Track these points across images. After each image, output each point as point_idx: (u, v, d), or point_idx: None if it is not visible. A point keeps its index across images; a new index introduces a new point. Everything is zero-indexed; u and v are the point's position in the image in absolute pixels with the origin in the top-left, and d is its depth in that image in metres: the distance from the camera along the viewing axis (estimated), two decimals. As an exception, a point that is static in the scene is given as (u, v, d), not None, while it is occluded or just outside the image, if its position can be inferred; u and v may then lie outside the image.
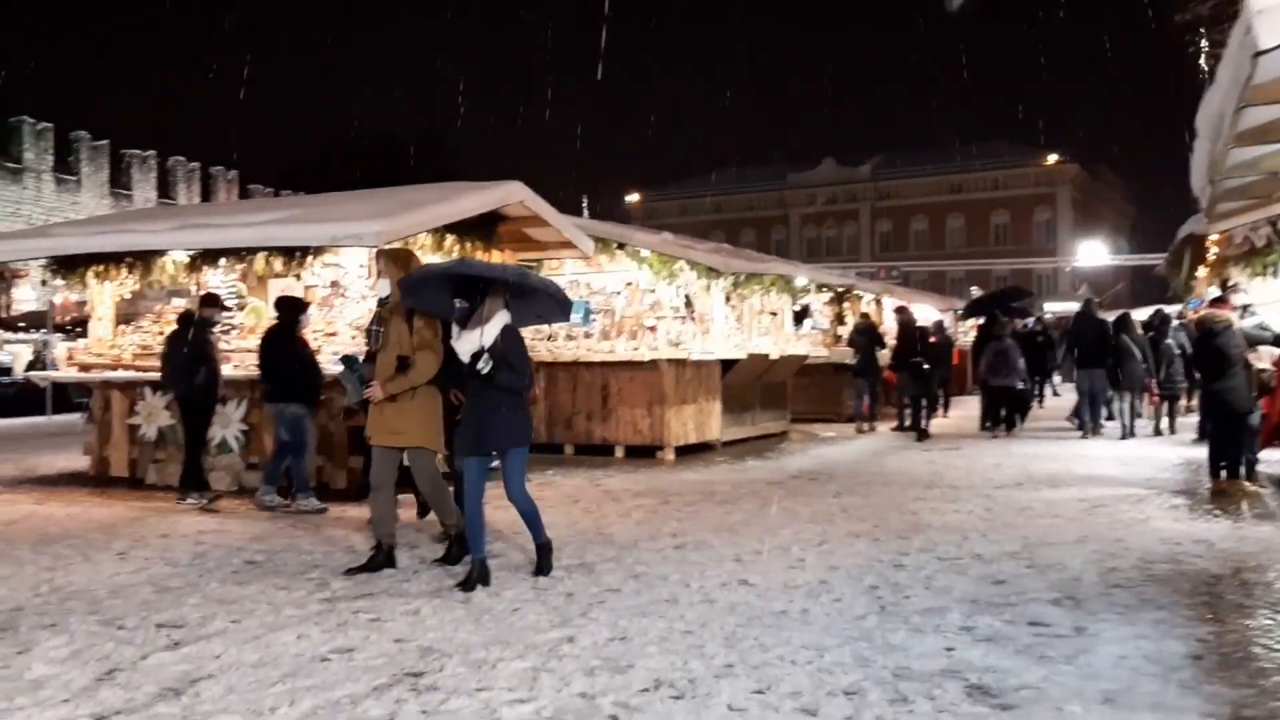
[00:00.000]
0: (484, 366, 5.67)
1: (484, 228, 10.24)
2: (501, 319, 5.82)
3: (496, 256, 11.05)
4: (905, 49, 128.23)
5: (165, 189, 44.84)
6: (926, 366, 15.65)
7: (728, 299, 14.34)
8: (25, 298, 20.40)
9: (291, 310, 8.86)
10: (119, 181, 43.06)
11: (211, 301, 9.32)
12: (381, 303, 6.49)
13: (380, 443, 6.39)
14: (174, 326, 9.55)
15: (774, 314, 16.08)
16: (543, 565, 6.19)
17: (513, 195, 10.25)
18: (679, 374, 12.67)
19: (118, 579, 6.16)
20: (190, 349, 8.93)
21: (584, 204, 24.24)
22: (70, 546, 7.17)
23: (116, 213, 27.62)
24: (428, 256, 10.04)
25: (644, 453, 12.56)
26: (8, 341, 28.30)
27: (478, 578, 5.85)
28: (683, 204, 67.76)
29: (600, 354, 12.77)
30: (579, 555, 6.74)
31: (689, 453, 12.84)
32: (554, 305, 6.20)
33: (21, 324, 27.45)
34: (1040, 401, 20.24)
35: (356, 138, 60.56)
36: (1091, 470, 11.11)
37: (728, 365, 13.58)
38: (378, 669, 4.42)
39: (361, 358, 6.59)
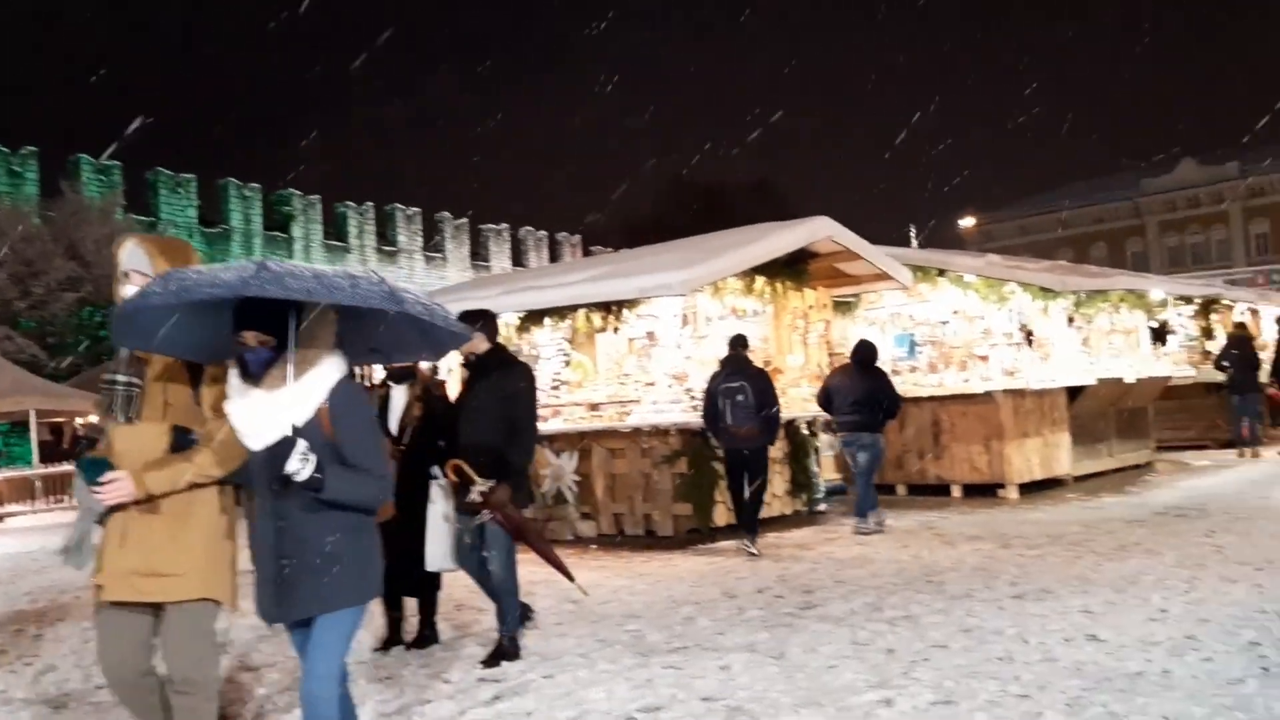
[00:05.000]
0: (300, 469, 3.05)
1: (793, 266, 10.05)
2: (328, 371, 3.22)
3: (809, 295, 10.82)
4: (1262, 30, 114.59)
5: (518, 257, 48.66)
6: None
7: (1070, 321, 13.25)
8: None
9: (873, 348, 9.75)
10: (478, 254, 47.21)
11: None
12: None
13: (122, 595, 3.48)
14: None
15: (1128, 333, 14.66)
16: None
17: (819, 231, 10.01)
18: (1017, 405, 11.79)
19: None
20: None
21: (911, 233, 23.49)
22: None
23: (461, 283, 30.43)
24: (738, 300, 10.00)
25: (984, 491, 11.75)
26: None
27: None
28: (1022, 224, 64.02)
29: (928, 388, 12.19)
30: (904, 607, 6.29)
31: (1035, 490, 11.86)
32: (425, 339, 3.58)
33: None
34: None
35: (684, 191, 62.49)
36: None
37: (1075, 393, 12.57)
38: (682, 730, 4.27)
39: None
